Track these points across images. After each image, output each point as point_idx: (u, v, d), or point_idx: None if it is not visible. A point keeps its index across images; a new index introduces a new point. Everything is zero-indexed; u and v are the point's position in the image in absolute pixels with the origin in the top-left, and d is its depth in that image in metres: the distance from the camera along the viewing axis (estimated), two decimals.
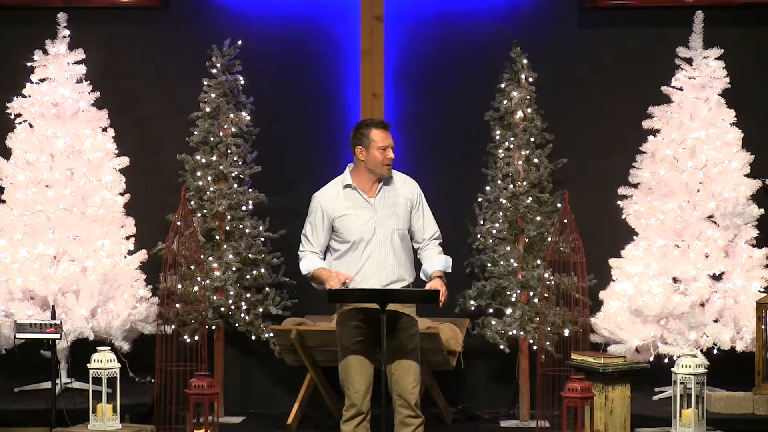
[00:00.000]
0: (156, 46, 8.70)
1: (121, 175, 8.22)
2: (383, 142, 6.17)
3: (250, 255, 8.24)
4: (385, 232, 6.17)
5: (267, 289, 8.30)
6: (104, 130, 8.23)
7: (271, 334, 8.09)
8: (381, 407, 6.02)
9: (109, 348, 6.97)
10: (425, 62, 8.62)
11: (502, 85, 8.27)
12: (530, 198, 8.15)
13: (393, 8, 8.51)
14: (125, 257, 8.10)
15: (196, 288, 7.73)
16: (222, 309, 8.16)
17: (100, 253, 7.96)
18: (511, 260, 8.09)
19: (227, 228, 8.26)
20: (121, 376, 6.78)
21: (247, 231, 8.25)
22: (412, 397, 6.13)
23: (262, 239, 8.32)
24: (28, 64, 8.19)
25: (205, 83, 8.33)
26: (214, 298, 8.11)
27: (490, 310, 8.15)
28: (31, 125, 8.12)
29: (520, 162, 8.17)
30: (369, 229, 6.16)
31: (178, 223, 7.68)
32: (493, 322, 8.06)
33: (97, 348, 6.86)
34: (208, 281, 8.02)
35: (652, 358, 7.70)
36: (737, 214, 7.80)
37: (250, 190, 8.34)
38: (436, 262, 6.25)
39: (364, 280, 6.15)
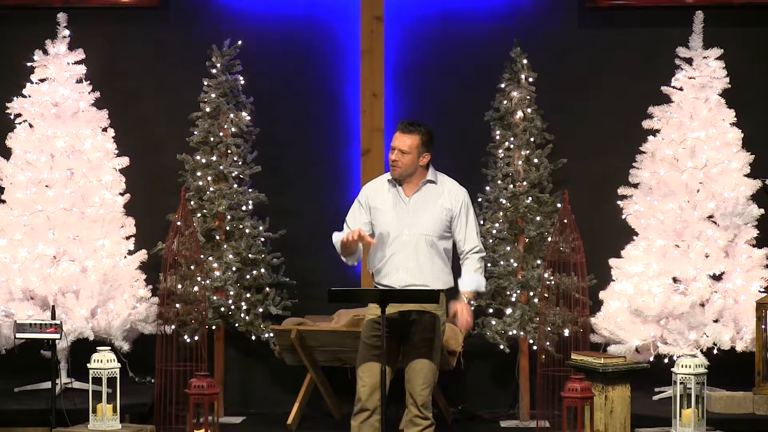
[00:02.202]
0: (156, 46, 8.69)
1: (121, 175, 8.22)
2: (392, 142, 6.16)
3: (250, 255, 8.23)
4: (412, 234, 6.10)
5: (267, 289, 8.29)
6: (104, 130, 8.23)
7: (271, 334, 8.09)
8: (392, 407, 6.03)
9: (109, 348, 6.96)
10: (425, 62, 8.62)
11: (502, 85, 8.27)
12: (530, 198, 8.15)
13: (393, 8, 8.51)
14: (125, 257, 8.10)
15: (196, 288, 7.73)
16: (222, 309, 8.16)
17: (100, 253, 7.95)
18: (511, 260, 8.09)
19: (227, 228, 8.26)
20: (121, 376, 6.77)
21: (247, 231, 8.24)
22: (419, 398, 6.11)
23: (262, 239, 8.31)
24: (28, 64, 8.19)
25: (205, 83, 8.33)
26: (214, 298, 8.11)
27: (490, 310, 8.15)
28: (31, 125, 8.12)
29: (520, 162, 8.17)
30: (396, 227, 6.12)
31: (178, 223, 7.68)
32: (493, 322, 8.06)
33: (97, 348, 6.85)
34: (208, 281, 8.01)
35: (652, 358, 7.70)
36: (737, 214, 7.80)
37: (250, 190, 8.34)
38: (467, 281, 6.15)
39: (384, 277, 6.13)
